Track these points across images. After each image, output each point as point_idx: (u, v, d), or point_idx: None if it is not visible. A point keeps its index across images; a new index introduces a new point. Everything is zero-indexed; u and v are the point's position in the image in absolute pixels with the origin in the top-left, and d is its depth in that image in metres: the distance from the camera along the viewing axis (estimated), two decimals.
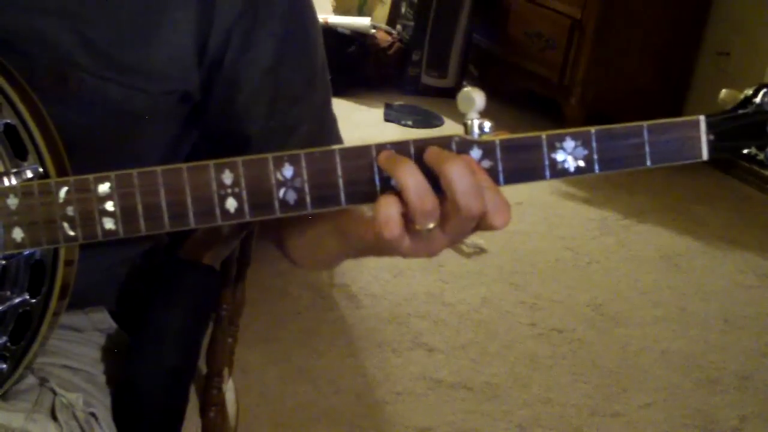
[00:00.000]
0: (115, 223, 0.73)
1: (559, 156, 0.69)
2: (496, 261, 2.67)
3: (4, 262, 0.76)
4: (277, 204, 0.71)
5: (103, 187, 0.73)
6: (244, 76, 0.89)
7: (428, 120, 3.75)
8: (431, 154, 0.69)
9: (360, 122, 3.62)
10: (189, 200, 0.72)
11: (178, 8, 0.86)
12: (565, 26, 3.52)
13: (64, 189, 0.73)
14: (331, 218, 0.80)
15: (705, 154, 0.69)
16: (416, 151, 0.70)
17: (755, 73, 3.27)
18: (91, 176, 0.73)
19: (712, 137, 0.69)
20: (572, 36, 3.51)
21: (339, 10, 4.23)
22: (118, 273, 1.01)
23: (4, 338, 0.78)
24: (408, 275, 2.53)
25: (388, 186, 0.70)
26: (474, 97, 0.69)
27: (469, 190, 0.67)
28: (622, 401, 2.11)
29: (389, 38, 4.10)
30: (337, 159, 0.70)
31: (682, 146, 0.69)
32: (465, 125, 0.70)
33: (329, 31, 3.83)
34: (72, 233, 0.74)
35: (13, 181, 0.74)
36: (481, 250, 2.69)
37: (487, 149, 0.70)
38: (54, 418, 0.85)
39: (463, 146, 0.70)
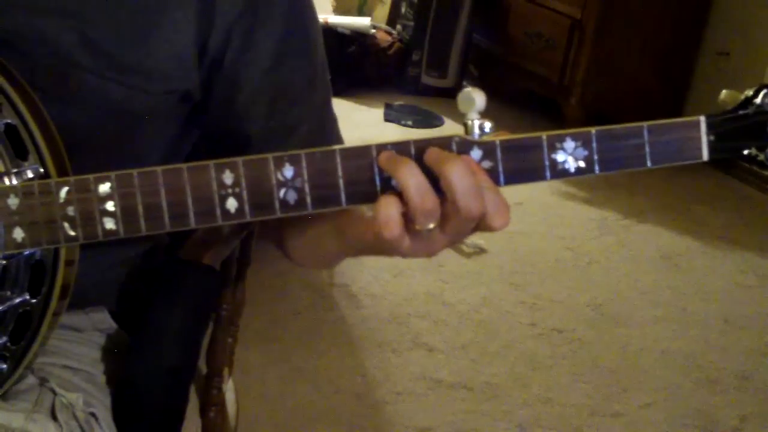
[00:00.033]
0: (116, 223, 0.73)
1: (560, 156, 0.69)
2: (496, 261, 2.67)
3: (4, 262, 0.76)
4: (277, 204, 0.71)
5: (104, 187, 0.73)
6: (244, 76, 0.89)
7: (428, 120, 3.75)
8: (431, 155, 0.69)
9: (360, 122, 3.62)
10: (189, 200, 0.72)
11: (178, 8, 0.86)
12: (565, 26, 3.52)
13: (65, 189, 0.73)
14: (330, 218, 0.80)
15: (705, 155, 0.69)
16: (417, 152, 0.70)
17: (755, 73, 3.26)
18: (91, 176, 0.73)
19: (712, 138, 0.69)
20: (572, 36, 3.51)
21: (339, 10, 4.23)
22: (118, 273, 1.01)
23: (4, 338, 0.78)
24: (408, 275, 2.53)
25: (389, 186, 0.70)
26: (474, 98, 0.69)
27: (469, 192, 0.67)
28: (622, 401, 2.11)
29: (389, 38, 4.10)
30: (338, 159, 0.70)
31: (682, 147, 0.69)
32: (465, 126, 0.70)
33: (329, 31, 3.83)
34: (72, 233, 0.74)
35: (14, 181, 0.74)
36: (481, 250, 2.69)
37: (488, 150, 0.70)
38: (54, 418, 0.85)
39: (464, 147, 0.70)
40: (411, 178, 0.67)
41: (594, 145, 0.69)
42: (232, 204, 0.72)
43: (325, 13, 4.05)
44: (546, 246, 2.82)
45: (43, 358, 0.90)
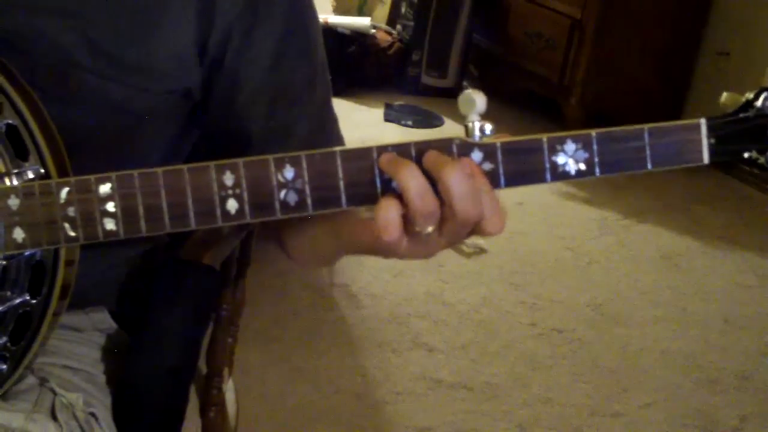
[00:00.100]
0: (116, 224, 0.73)
1: (560, 159, 0.69)
2: (496, 261, 2.67)
3: (4, 262, 0.76)
4: (278, 205, 0.71)
5: (104, 188, 0.73)
6: (244, 76, 0.89)
7: (428, 120, 3.75)
8: (429, 158, 0.69)
9: (360, 122, 3.61)
10: (190, 201, 0.72)
11: (178, 7, 0.86)
12: (565, 26, 3.52)
13: (65, 189, 0.73)
14: (329, 219, 0.80)
15: (706, 158, 0.69)
16: (417, 154, 0.70)
17: (755, 73, 3.26)
18: (92, 177, 0.73)
19: (712, 141, 0.69)
20: (572, 36, 3.50)
21: (339, 10, 4.22)
22: (118, 273, 1.01)
23: (4, 338, 0.78)
24: (408, 275, 2.53)
25: (390, 188, 0.70)
26: (475, 100, 0.69)
27: (466, 196, 0.67)
28: (622, 401, 2.11)
29: (389, 38, 4.10)
30: (338, 161, 0.70)
31: (682, 149, 0.69)
32: (466, 128, 0.70)
33: (329, 31, 3.83)
34: (73, 234, 0.74)
35: (15, 182, 0.74)
36: (481, 250, 2.69)
37: (488, 152, 0.70)
38: (54, 418, 0.85)
39: (464, 149, 0.70)
40: (412, 180, 0.67)
41: (594, 147, 0.69)
42: (232, 205, 0.72)
43: (325, 13, 4.05)
44: (546, 246, 2.82)
45: (43, 358, 0.90)
